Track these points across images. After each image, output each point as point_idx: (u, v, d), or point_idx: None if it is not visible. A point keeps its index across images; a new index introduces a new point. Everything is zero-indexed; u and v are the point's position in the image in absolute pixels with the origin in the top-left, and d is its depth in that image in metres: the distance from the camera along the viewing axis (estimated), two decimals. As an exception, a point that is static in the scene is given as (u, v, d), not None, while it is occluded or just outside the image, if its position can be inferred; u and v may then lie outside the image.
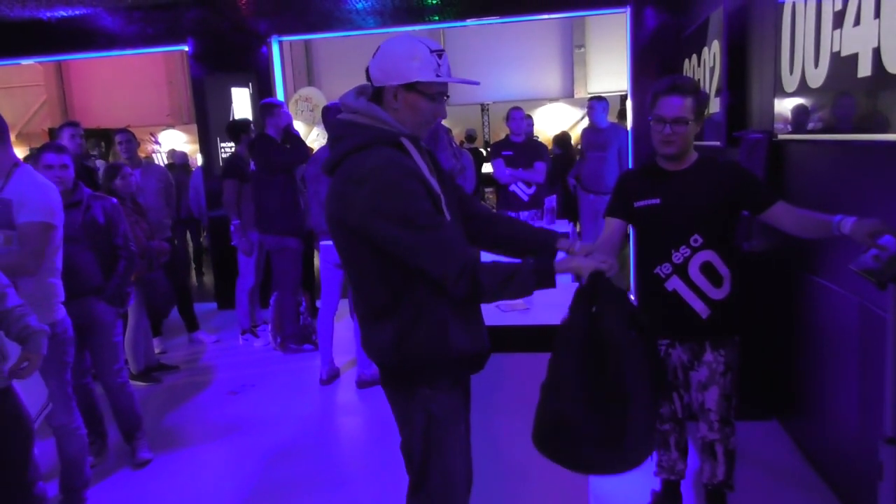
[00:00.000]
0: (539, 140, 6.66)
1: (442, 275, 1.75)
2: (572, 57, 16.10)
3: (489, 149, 8.11)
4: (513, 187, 5.87)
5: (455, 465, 1.99)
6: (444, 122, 4.86)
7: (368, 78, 1.85)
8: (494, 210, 6.38)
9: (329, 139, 1.95)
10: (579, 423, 1.80)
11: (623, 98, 9.51)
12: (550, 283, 1.82)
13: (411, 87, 1.80)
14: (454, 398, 1.97)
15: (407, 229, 1.72)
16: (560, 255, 1.98)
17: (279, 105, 5.25)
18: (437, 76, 1.80)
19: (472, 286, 1.76)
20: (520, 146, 5.86)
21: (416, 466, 1.99)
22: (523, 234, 2.09)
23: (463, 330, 1.88)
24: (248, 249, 5.45)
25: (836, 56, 2.68)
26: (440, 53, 1.82)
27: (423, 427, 1.94)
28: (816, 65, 2.88)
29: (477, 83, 1.99)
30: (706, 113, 4.70)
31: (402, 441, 2.01)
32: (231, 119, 6.11)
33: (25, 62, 9.73)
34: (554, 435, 1.86)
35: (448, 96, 1.88)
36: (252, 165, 5.16)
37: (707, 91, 4.68)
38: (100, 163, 6.34)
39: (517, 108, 6.00)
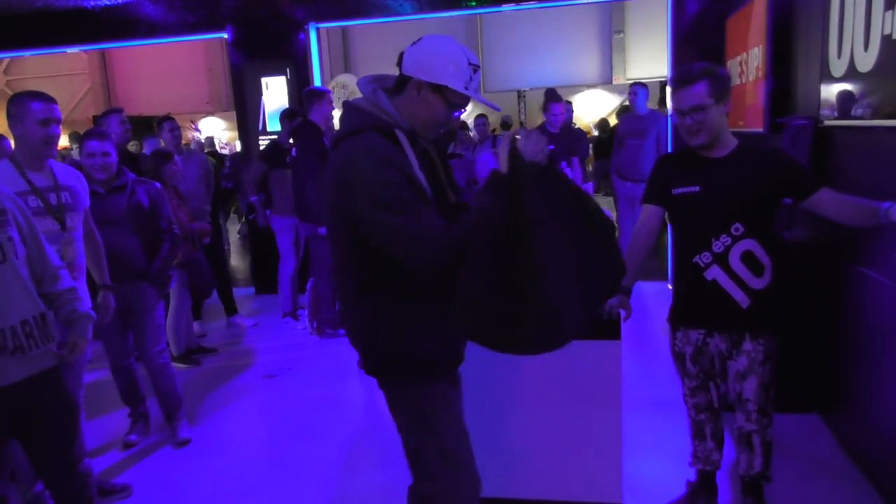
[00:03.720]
0: (578, 128, 6.41)
1: (411, 265, 1.74)
2: (611, 42, 15.89)
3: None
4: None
5: (453, 446, 1.95)
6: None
7: (399, 62, 1.86)
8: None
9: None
10: (490, 299, 1.68)
11: (663, 85, 9.35)
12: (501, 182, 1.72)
13: (438, 88, 1.81)
14: (436, 385, 1.95)
15: (380, 213, 1.71)
16: None
17: (325, 92, 5.33)
18: (465, 88, 1.82)
19: (443, 270, 1.71)
20: (556, 137, 5.58)
21: (414, 453, 1.98)
22: None
23: (433, 332, 1.87)
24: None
25: (887, 39, 2.60)
26: (476, 69, 1.84)
27: (411, 414, 1.94)
28: (866, 48, 2.79)
29: (498, 109, 2.09)
30: (730, 93, 4.58)
31: (396, 428, 2.01)
32: (283, 107, 6.22)
33: (70, 50, 9.94)
34: (473, 316, 1.73)
35: (465, 110, 1.91)
36: (294, 151, 5.20)
37: (751, 76, 4.58)
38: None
39: (557, 102, 5.63)
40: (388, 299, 1.85)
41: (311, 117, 5.16)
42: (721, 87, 2.36)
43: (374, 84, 1.90)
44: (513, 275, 1.67)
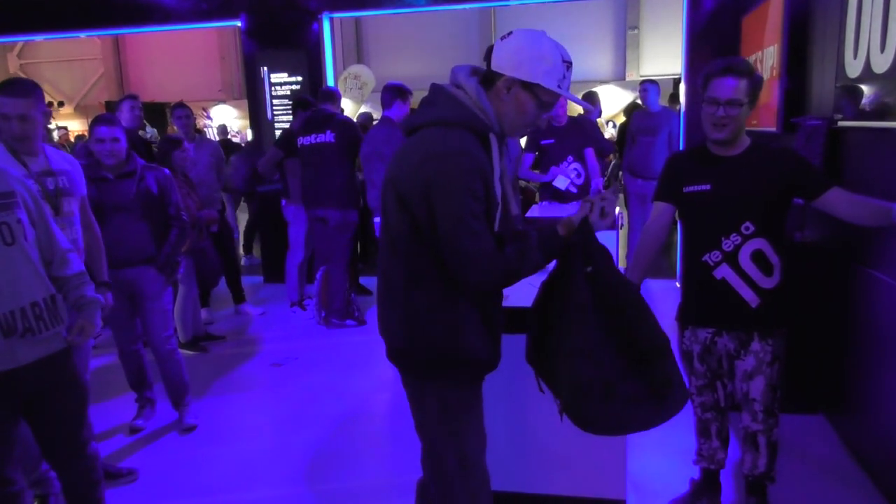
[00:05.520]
0: (583, 116, 5.98)
1: (461, 278, 1.73)
2: (625, 38, 15.80)
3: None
4: (556, 182, 5.17)
5: (472, 451, 1.94)
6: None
7: (487, 56, 1.79)
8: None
9: (421, 101, 1.88)
10: (625, 384, 1.73)
11: (676, 81, 9.29)
12: (555, 246, 1.80)
13: (529, 86, 1.74)
14: (471, 388, 1.92)
15: (450, 220, 1.67)
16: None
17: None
18: (558, 87, 1.75)
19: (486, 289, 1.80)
20: (562, 130, 5.17)
21: (432, 451, 1.97)
22: None
23: (480, 334, 1.83)
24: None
25: (904, 40, 2.57)
26: (569, 65, 1.78)
27: (438, 413, 1.90)
28: (883, 49, 2.76)
29: (591, 108, 1.98)
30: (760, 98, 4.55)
31: (415, 424, 1.99)
32: (296, 95, 6.32)
33: (84, 35, 9.98)
34: (600, 403, 1.74)
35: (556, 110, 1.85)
36: (329, 136, 5.15)
37: (765, 76, 4.55)
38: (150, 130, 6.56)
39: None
40: (442, 295, 1.78)
41: (339, 116, 5.32)
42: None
43: (475, 77, 1.80)
44: (632, 354, 1.74)
